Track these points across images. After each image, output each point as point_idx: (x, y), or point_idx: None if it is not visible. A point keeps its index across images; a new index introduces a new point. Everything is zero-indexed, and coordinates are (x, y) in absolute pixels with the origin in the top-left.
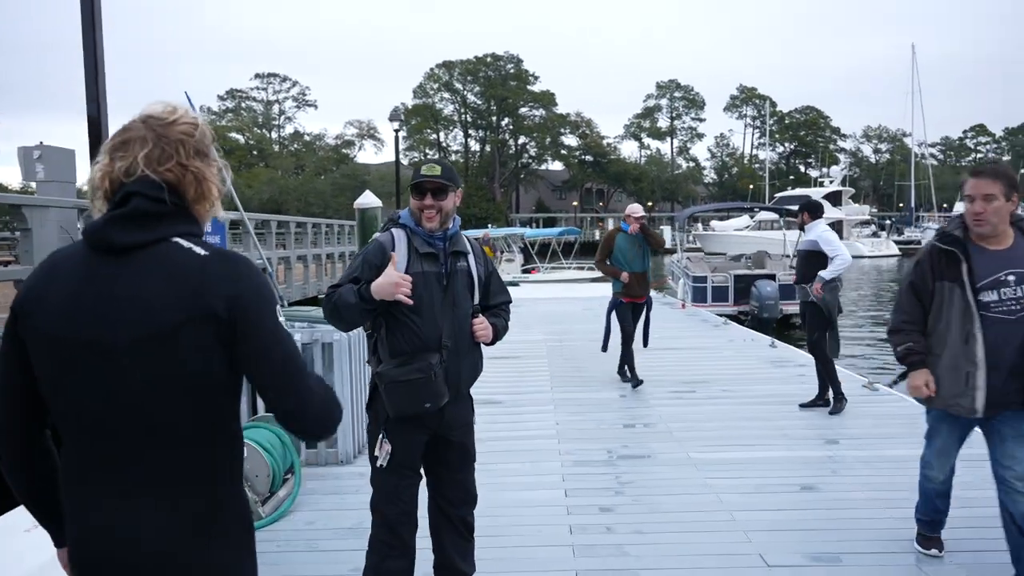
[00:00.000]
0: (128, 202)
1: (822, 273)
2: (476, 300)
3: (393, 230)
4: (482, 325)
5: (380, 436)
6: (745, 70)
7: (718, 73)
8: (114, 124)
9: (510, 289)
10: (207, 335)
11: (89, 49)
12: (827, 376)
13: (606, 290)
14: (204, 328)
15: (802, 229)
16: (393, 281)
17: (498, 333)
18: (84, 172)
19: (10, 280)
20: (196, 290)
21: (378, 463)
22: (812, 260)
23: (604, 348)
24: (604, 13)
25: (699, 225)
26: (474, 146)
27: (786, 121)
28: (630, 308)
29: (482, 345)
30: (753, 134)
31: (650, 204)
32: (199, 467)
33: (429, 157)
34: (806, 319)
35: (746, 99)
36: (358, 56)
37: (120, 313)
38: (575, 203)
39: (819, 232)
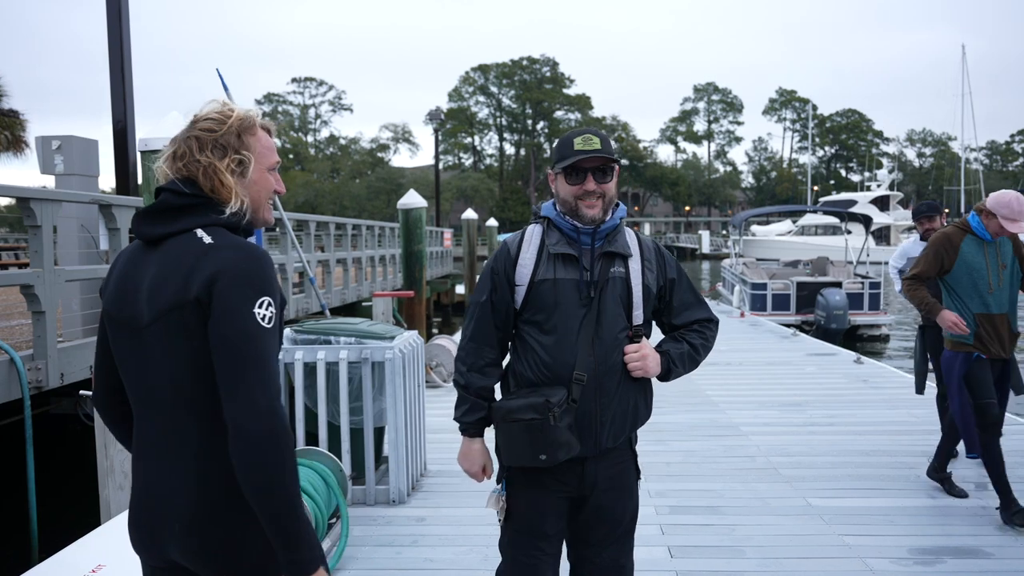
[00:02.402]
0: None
1: None
2: (638, 319)
3: (529, 227)
4: (636, 354)
5: (499, 485)
6: (784, 73)
7: (757, 76)
8: (141, 127)
9: None
10: (194, 319)
11: (115, 51)
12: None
13: None
14: (190, 313)
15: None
16: (473, 463)
17: (672, 364)
18: (110, 167)
19: (15, 285)
20: (187, 276)
21: (498, 520)
22: None
23: (951, 445)
24: (640, 16)
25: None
26: (509, 150)
27: (827, 124)
28: (988, 367)
29: (653, 380)
30: (792, 138)
31: (687, 208)
32: (204, 440)
33: (583, 128)
34: None
35: (786, 102)
36: (392, 60)
37: (141, 295)
38: None
39: None
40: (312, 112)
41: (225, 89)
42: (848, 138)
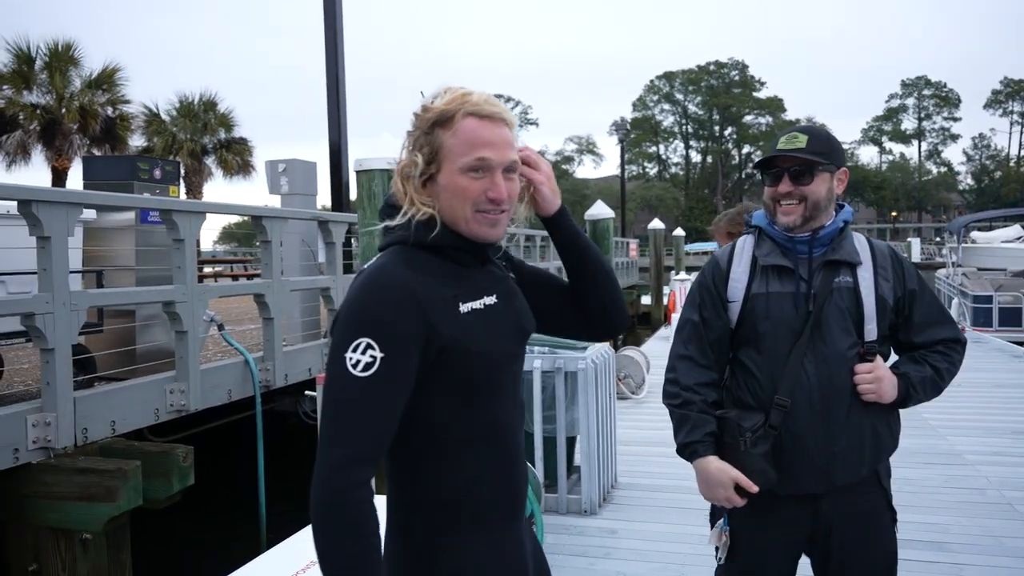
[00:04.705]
0: None
1: None
2: (871, 335)
3: (740, 238)
4: (869, 375)
5: (721, 519)
6: (1010, 61)
7: (976, 66)
8: (354, 148)
9: None
10: None
11: (332, 80)
12: None
13: None
14: None
15: None
16: (718, 485)
17: (911, 390)
18: (325, 188)
19: (251, 293)
20: None
21: (716, 556)
22: None
23: None
24: (839, 11)
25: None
26: (695, 157)
27: None
28: None
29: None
30: (1022, 133)
31: (893, 214)
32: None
33: (796, 127)
34: None
35: (1012, 93)
36: (576, 73)
37: None
38: None
39: None
40: None
41: None
42: None
